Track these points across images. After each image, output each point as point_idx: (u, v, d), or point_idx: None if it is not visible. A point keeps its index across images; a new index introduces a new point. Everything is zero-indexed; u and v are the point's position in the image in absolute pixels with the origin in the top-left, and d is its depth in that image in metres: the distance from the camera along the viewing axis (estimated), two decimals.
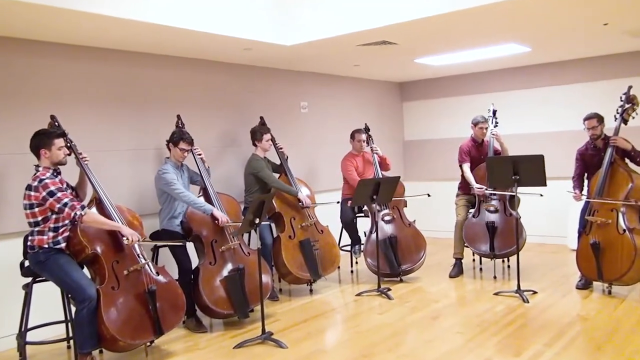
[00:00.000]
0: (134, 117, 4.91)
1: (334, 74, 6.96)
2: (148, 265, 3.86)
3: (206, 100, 5.50)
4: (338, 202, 5.32)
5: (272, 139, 5.33)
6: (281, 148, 5.47)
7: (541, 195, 4.94)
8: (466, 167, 5.57)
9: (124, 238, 3.67)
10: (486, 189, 5.38)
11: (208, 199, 4.59)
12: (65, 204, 3.48)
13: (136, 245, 3.84)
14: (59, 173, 3.67)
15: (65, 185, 3.67)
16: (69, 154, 3.74)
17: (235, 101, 5.78)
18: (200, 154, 4.72)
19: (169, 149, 4.54)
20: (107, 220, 3.69)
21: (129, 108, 4.88)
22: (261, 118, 5.50)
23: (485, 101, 6.82)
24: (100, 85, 4.70)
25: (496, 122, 5.74)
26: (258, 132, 5.21)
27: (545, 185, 4.68)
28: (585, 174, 5.01)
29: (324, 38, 4.80)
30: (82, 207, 3.54)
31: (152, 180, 4.76)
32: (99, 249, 3.69)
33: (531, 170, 4.65)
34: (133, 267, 3.75)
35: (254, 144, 5.25)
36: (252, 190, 5.20)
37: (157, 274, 3.89)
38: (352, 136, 5.87)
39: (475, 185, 5.44)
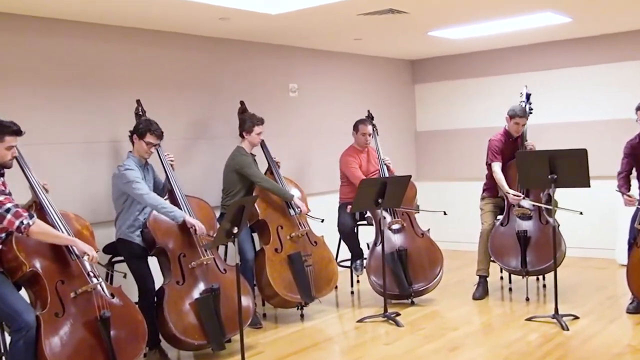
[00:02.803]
0: (84, 102, 4.88)
1: (330, 50, 6.95)
2: (101, 285, 3.84)
3: (173, 82, 5.49)
4: (322, 221, 5.29)
5: (263, 144, 5.36)
6: (278, 163, 5.46)
7: (581, 213, 4.94)
8: (497, 166, 5.51)
9: (85, 256, 3.66)
10: (524, 198, 5.35)
11: (175, 203, 4.58)
12: (8, 210, 3.46)
13: (85, 262, 3.82)
14: (2, 174, 3.66)
15: (8, 190, 3.66)
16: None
17: (209, 83, 5.77)
18: (172, 161, 4.71)
19: (132, 142, 4.53)
20: (61, 234, 3.70)
21: (78, 91, 4.86)
22: (242, 103, 5.50)
23: (516, 83, 6.82)
24: (42, 63, 4.67)
25: (530, 109, 5.74)
26: (248, 122, 5.21)
27: (588, 185, 4.69)
28: (636, 173, 5.01)
29: (317, 5, 4.78)
30: (31, 216, 3.52)
31: (105, 181, 4.74)
32: (39, 266, 3.66)
33: (572, 167, 4.66)
34: (82, 288, 3.73)
35: (241, 135, 5.25)
36: (233, 192, 5.20)
37: (112, 296, 3.88)
38: (356, 128, 5.87)
39: (509, 191, 5.38)
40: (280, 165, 5.48)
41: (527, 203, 5.46)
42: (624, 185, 4.99)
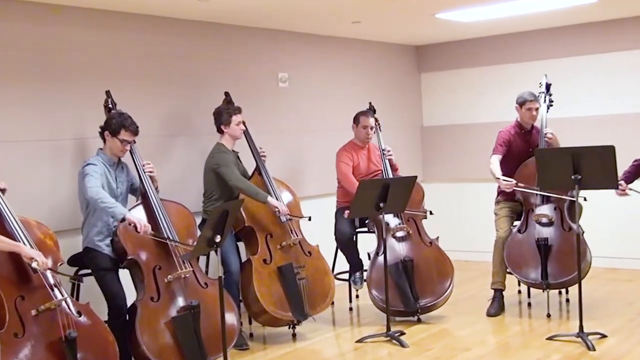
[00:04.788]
0: (45, 95, 4.87)
1: (326, 35, 6.95)
2: (66, 301, 3.84)
3: (147, 71, 5.48)
4: (310, 219, 5.29)
5: (248, 134, 5.34)
6: (264, 155, 5.49)
7: (585, 199, 4.95)
8: (495, 158, 5.55)
9: (33, 262, 3.64)
10: (517, 184, 5.37)
11: (148, 208, 4.59)
12: None
13: (49, 275, 3.81)
14: None
15: None
16: None
17: (188, 72, 5.77)
18: (151, 172, 4.69)
19: (104, 139, 4.53)
20: (2, 238, 3.67)
21: (38, 82, 4.84)
22: (226, 94, 5.50)
23: (534, 72, 6.84)
24: None
25: (550, 101, 5.76)
26: (225, 113, 5.22)
27: (616, 187, 4.70)
28: None
29: None
30: None
31: (71, 183, 4.73)
32: None
33: (598, 166, 4.66)
34: (45, 305, 3.72)
35: (220, 130, 5.25)
36: (215, 196, 5.20)
37: (79, 314, 3.88)
38: (356, 120, 5.88)
39: (501, 177, 5.40)
40: (265, 159, 5.48)
41: (521, 190, 5.43)
42: (630, 172, 4.99)
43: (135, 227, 4.30)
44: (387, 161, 5.85)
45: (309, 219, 5.31)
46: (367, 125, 5.80)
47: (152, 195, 4.62)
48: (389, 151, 5.89)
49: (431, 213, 5.68)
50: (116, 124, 4.46)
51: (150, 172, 4.69)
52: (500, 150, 5.60)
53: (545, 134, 5.57)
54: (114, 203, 4.33)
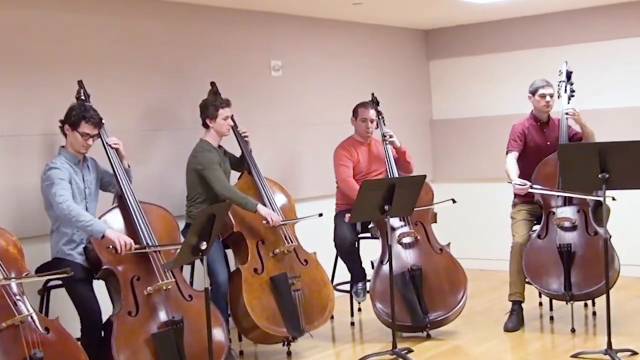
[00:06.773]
0: (10, 85, 4.85)
1: (323, 18, 6.95)
2: (32, 317, 3.82)
3: (124, 58, 5.47)
4: (320, 215, 5.31)
5: (233, 122, 5.35)
6: (245, 135, 5.48)
7: (613, 199, 4.97)
8: (511, 157, 5.60)
9: None
10: (531, 186, 5.39)
11: (126, 211, 4.57)
12: None
13: (14, 285, 3.78)
14: None
15: None
16: None
17: (170, 60, 5.77)
18: (116, 144, 4.70)
19: (65, 134, 4.52)
20: None
21: (2, 70, 4.81)
22: (213, 84, 5.50)
23: (555, 58, 6.81)
24: None
25: (571, 91, 5.76)
26: (211, 106, 5.21)
27: None
28: None
29: None
30: None
31: (37, 185, 4.69)
32: None
33: (628, 164, 4.64)
34: (7, 321, 3.69)
35: (205, 124, 5.24)
36: (199, 199, 5.21)
37: (47, 330, 3.86)
38: (355, 112, 5.89)
39: (515, 180, 5.44)
40: (248, 140, 5.50)
41: (537, 191, 5.41)
42: None
43: (115, 248, 4.30)
44: (389, 150, 5.81)
45: (320, 215, 5.34)
46: (367, 117, 5.79)
47: (129, 196, 4.59)
48: (390, 136, 5.85)
49: (454, 201, 5.67)
50: (75, 115, 4.45)
51: (116, 144, 4.68)
52: (515, 146, 5.63)
53: (567, 112, 5.57)
54: (91, 219, 4.32)
